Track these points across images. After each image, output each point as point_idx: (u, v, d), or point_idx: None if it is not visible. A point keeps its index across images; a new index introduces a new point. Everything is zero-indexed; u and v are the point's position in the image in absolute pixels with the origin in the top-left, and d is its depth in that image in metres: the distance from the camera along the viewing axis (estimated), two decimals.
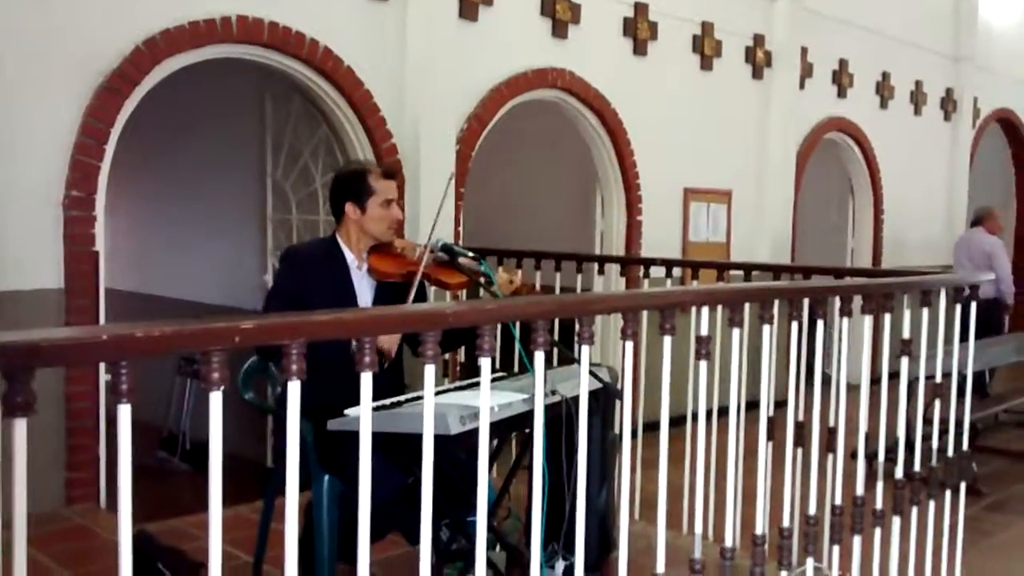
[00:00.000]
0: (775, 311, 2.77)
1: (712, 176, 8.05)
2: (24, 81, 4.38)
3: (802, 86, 8.84)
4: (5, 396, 1.35)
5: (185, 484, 6.91)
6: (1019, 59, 12.09)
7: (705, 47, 7.83)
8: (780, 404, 3.05)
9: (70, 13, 4.49)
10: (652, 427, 3.17)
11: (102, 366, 4.30)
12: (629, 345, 2.29)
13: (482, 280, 3.37)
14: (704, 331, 2.52)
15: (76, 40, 4.52)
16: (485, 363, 2.00)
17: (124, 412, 1.49)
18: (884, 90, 10.04)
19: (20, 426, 1.39)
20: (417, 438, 1.91)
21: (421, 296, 3.51)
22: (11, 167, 4.36)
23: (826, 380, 3.48)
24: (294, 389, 1.67)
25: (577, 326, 2.15)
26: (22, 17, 4.36)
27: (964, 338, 4.01)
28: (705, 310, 2.52)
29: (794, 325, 2.88)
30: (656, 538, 2.39)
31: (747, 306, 3.22)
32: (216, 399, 1.57)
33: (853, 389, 3.25)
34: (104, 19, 4.59)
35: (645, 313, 3.94)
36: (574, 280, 5.32)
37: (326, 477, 3.15)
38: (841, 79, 9.42)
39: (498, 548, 3.69)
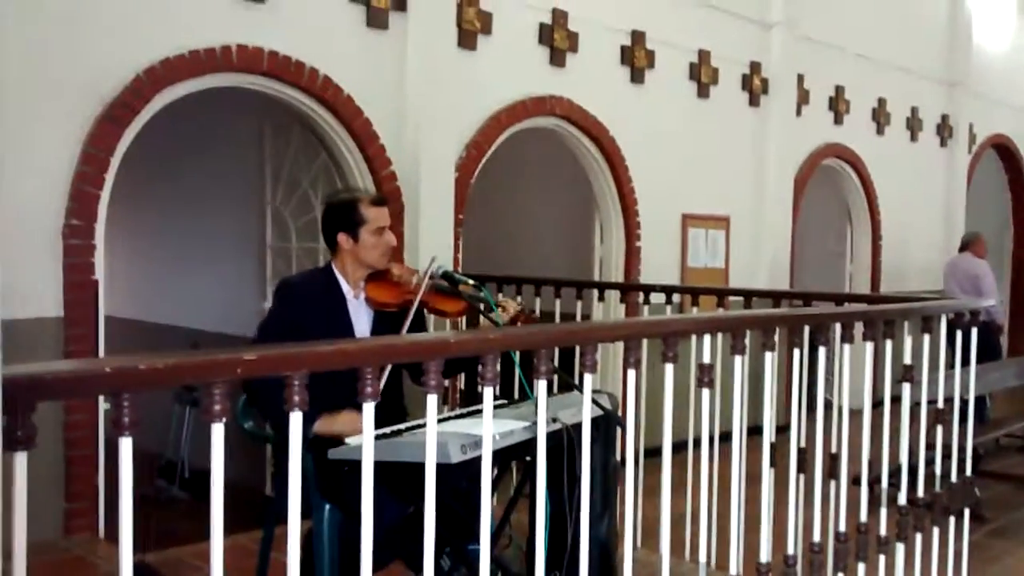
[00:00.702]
0: (776, 338, 2.77)
1: (710, 202, 8.07)
2: (24, 109, 4.39)
3: (799, 113, 8.89)
4: (6, 430, 1.34)
5: (184, 513, 6.86)
6: (1014, 85, 12.17)
7: (702, 75, 7.88)
8: (781, 430, 3.04)
9: (71, 41, 4.51)
10: (652, 453, 3.16)
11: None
12: (632, 373, 2.29)
13: (481, 306, 3.36)
14: (706, 359, 2.51)
15: (77, 68, 4.54)
16: (488, 392, 1.99)
17: (126, 445, 1.48)
18: (880, 116, 10.09)
19: (21, 460, 1.38)
20: (418, 467, 1.90)
21: (419, 324, 3.49)
22: (11, 195, 4.36)
23: (827, 405, 3.48)
24: (296, 420, 1.66)
25: (579, 355, 2.15)
26: (22, 45, 4.38)
27: (965, 363, 4.01)
28: (707, 338, 2.52)
29: (795, 352, 2.88)
30: (659, 566, 2.37)
31: (748, 333, 3.23)
32: (218, 431, 1.56)
33: (855, 414, 3.24)
34: (105, 48, 4.61)
35: (645, 341, 3.94)
36: (574, 306, 5.32)
37: (327, 506, 3.13)
38: (838, 105, 9.47)
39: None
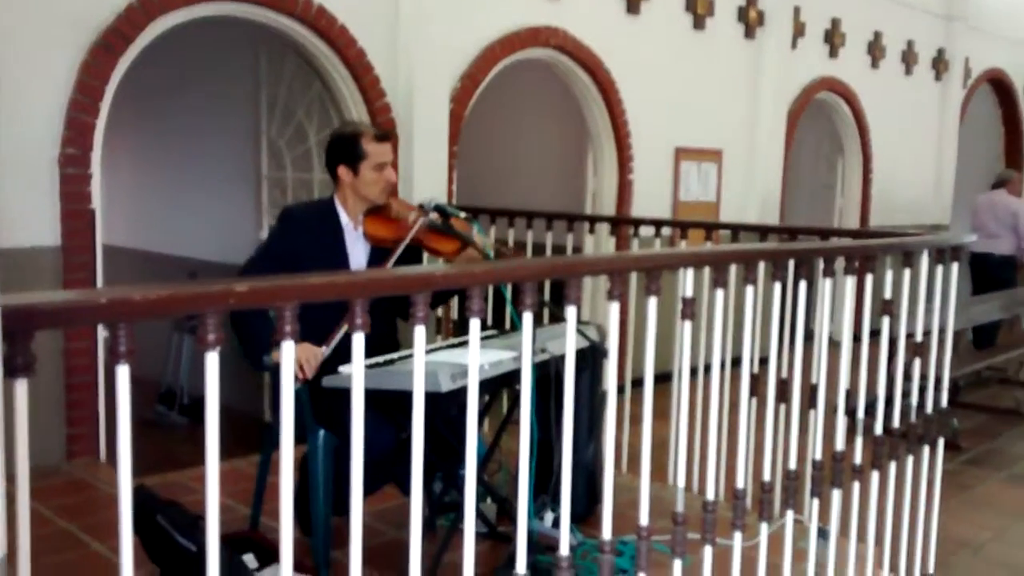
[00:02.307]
0: (759, 272, 2.84)
1: (703, 136, 8.08)
2: (17, 38, 4.39)
3: (794, 46, 8.85)
4: (6, 357, 1.38)
5: (183, 438, 7.01)
6: (1011, 19, 12.06)
7: (698, 6, 7.83)
8: (764, 361, 3.13)
9: None
10: (639, 383, 3.25)
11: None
12: (615, 306, 2.36)
13: (475, 240, 3.43)
14: (689, 292, 2.59)
15: None
16: (474, 324, 2.06)
17: (123, 372, 1.53)
18: (875, 50, 10.03)
19: (21, 386, 1.42)
20: (409, 395, 1.98)
21: (415, 260, 3.56)
22: (6, 125, 4.38)
23: (809, 336, 3.57)
24: (288, 350, 1.73)
25: (564, 288, 2.22)
26: None
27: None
28: (690, 271, 2.59)
29: (777, 286, 2.95)
30: (641, 491, 2.48)
31: (732, 267, 3.30)
32: (212, 359, 1.63)
33: (835, 346, 3.33)
34: None
35: (633, 273, 4.01)
36: (565, 239, 5.39)
37: (321, 432, 3.23)
38: (833, 39, 9.41)
39: (489, 500, 3.80)
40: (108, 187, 4.91)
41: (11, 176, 4.43)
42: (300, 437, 2.98)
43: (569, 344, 2.28)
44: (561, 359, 2.86)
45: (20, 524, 1.48)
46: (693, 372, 4.02)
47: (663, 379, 2.74)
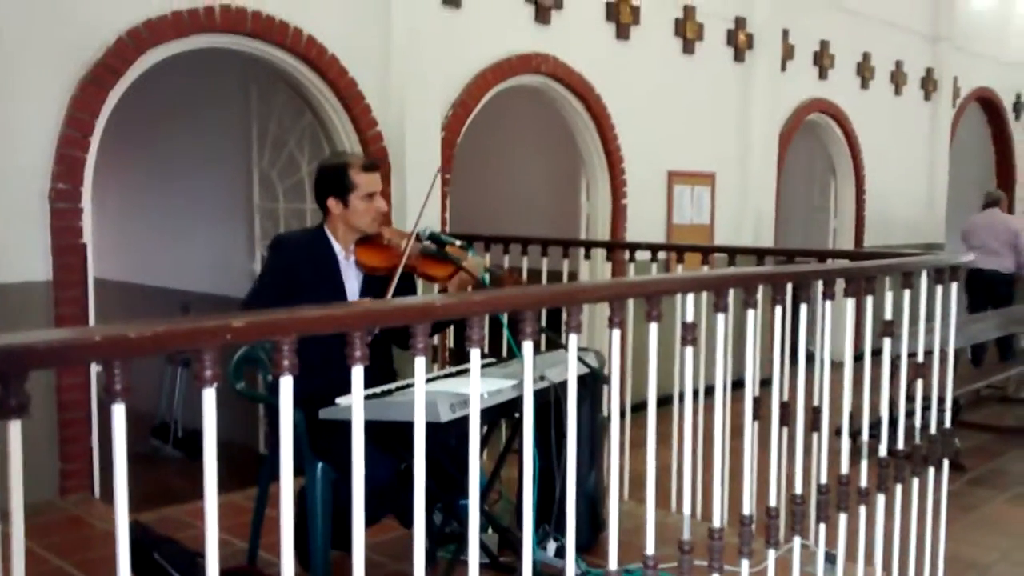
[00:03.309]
0: (759, 295, 2.81)
1: (696, 159, 8.10)
2: (7, 72, 4.37)
3: (783, 68, 8.89)
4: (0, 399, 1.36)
5: (178, 471, 6.93)
6: (999, 39, 12.17)
7: (687, 31, 7.86)
8: (764, 383, 3.10)
9: (53, 3, 4.48)
10: (638, 408, 3.21)
11: None
12: (616, 333, 2.33)
13: (464, 264, 3.40)
14: (690, 317, 2.55)
15: (59, 31, 4.51)
16: (475, 354, 2.03)
17: (119, 411, 1.50)
18: (865, 70, 10.09)
19: (15, 428, 1.39)
20: (408, 426, 1.94)
21: (408, 288, 3.52)
22: None
23: (810, 358, 3.54)
24: (287, 385, 1.70)
25: (565, 315, 2.19)
26: (4, 8, 4.34)
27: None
28: (690, 296, 2.56)
29: (778, 309, 2.92)
30: (645, 518, 2.43)
31: (731, 291, 3.28)
32: (210, 396, 1.59)
33: (837, 367, 3.30)
34: (86, 9, 4.58)
35: (631, 299, 3.97)
36: (561, 264, 5.36)
37: (319, 464, 3.18)
38: (822, 60, 9.47)
39: (490, 530, 3.75)
40: (97, 219, 4.88)
41: (1, 211, 4.39)
42: (297, 469, 2.94)
43: (571, 372, 2.25)
44: (560, 386, 2.83)
45: (15, 565, 1.45)
46: (694, 397, 3.98)
47: (662, 402, 2.72)
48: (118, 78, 4.69)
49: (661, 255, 5.18)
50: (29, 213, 4.48)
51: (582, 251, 5.87)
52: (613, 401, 2.47)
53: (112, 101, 4.74)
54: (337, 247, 3.46)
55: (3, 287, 4.38)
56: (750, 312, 2.79)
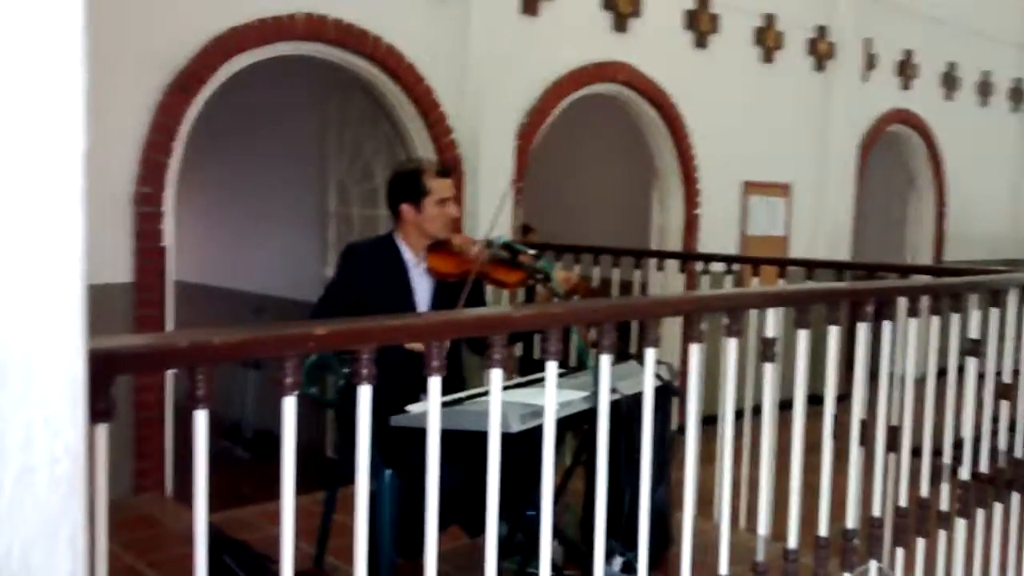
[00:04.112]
0: (841, 312, 2.74)
1: (772, 169, 7.96)
2: (96, 79, 4.43)
3: (865, 78, 8.70)
4: (88, 403, 1.37)
5: (247, 473, 7.01)
6: None
7: (767, 39, 7.74)
8: (841, 398, 3.02)
9: (141, 11, 4.57)
10: (707, 422, 3.15)
11: None
12: (694, 347, 2.29)
13: (539, 276, 3.37)
14: (770, 332, 2.50)
15: (147, 38, 4.60)
16: (551, 366, 2.01)
17: (201, 417, 1.51)
18: (949, 81, 9.83)
19: (101, 432, 1.42)
20: (476, 435, 1.93)
21: (478, 295, 3.52)
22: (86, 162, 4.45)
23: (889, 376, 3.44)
24: (365, 394, 1.70)
25: (641, 328, 2.16)
26: (94, 16, 4.44)
27: None
28: (771, 311, 2.51)
29: (861, 326, 2.85)
30: (719, 537, 2.39)
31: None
32: (290, 404, 1.60)
33: (916, 385, 3.20)
34: (174, 17, 4.67)
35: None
36: (632, 275, 5.31)
37: (387, 472, 3.18)
38: (905, 70, 9.25)
39: (556, 543, 3.71)
40: (177, 223, 4.97)
41: (87, 214, 4.48)
42: None
43: (647, 386, 2.22)
44: (632, 399, 2.79)
45: (98, 565, 1.47)
46: (740, 414, 3.90)
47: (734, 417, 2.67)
48: (203, 85, 4.78)
49: (735, 266, 5.10)
50: (114, 216, 4.58)
51: (654, 262, 5.81)
52: (690, 417, 2.42)
53: (197, 107, 4.83)
54: (407, 254, 3.47)
55: (89, 289, 4.47)
56: (832, 329, 2.72)
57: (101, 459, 1.44)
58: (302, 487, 4.76)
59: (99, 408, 1.38)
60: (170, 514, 4.50)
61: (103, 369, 1.37)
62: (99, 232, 4.54)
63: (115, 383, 1.42)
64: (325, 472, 3.74)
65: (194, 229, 8.41)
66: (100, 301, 4.52)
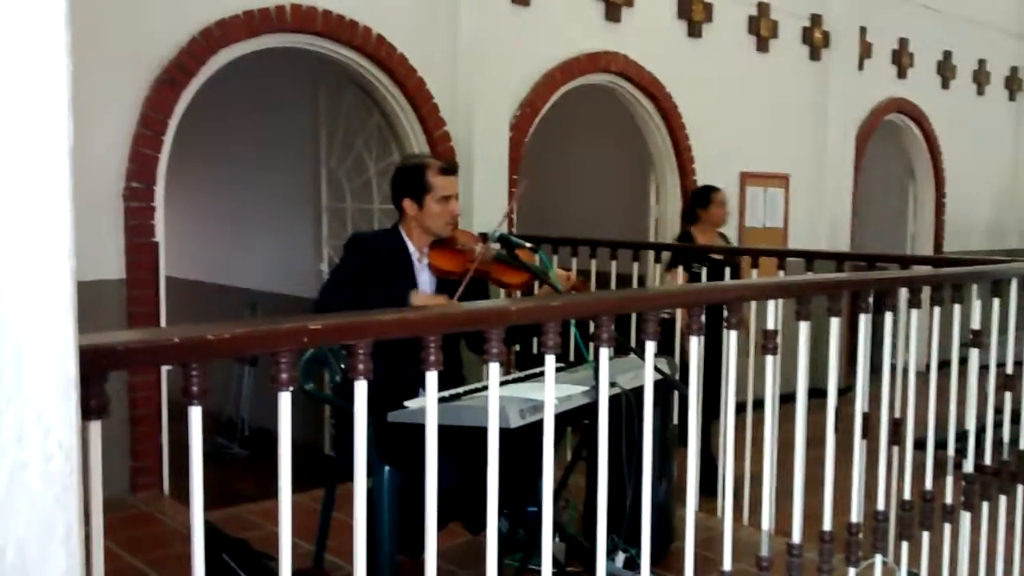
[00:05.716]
0: (842, 303, 2.70)
1: (769, 160, 7.92)
2: (83, 73, 4.39)
3: (861, 67, 8.67)
4: (80, 400, 1.35)
5: (244, 470, 6.98)
6: None
7: (761, 28, 7.70)
8: (842, 392, 2.98)
9: (126, 4, 4.52)
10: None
11: None
12: (694, 340, 2.25)
13: (542, 278, 3.34)
14: (770, 324, 2.46)
15: (134, 31, 4.56)
16: (550, 360, 1.97)
17: (196, 413, 1.49)
18: (946, 70, 9.80)
19: (95, 429, 1.40)
20: (475, 430, 1.90)
21: (481, 294, 3.48)
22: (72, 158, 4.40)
23: (890, 369, 3.40)
24: (361, 389, 1.66)
25: (638, 322, 2.12)
26: (80, 9, 4.39)
27: None
28: (771, 303, 2.47)
29: (862, 317, 2.81)
30: (717, 530, 2.35)
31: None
32: (285, 400, 1.56)
33: (918, 377, 3.17)
34: (160, 10, 4.62)
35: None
36: (630, 267, 5.27)
37: (386, 468, 3.14)
38: (901, 59, 9.22)
39: (557, 539, 3.68)
40: (168, 218, 4.92)
41: (76, 209, 4.43)
42: None
43: (647, 380, 2.18)
44: (632, 393, 2.76)
45: (95, 564, 1.46)
46: (741, 407, 3.86)
47: (735, 411, 2.64)
48: (191, 78, 4.73)
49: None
50: (103, 212, 4.53)
51: (652, 254, 5.77)
52: (691, 411, 2.39)
53: (185, 101, 4.78)
54: (412, 249, 3.44)
55: (78, 285, 4.43)
56: (833, 321, 2.68)
57: (95, 456, 1.43)
58: (301, 485, 4.73)
59: (92, 405, 1.37)
60: (168, 511, 4.48)
61: (95, 365, 1.35)
62: (90, 228, 4.53)
63: (108, 380, 1.40)
64: (323, 469, 3.70)
65: (184, 224, 8.36)
66: (92, 298, 4.50)
